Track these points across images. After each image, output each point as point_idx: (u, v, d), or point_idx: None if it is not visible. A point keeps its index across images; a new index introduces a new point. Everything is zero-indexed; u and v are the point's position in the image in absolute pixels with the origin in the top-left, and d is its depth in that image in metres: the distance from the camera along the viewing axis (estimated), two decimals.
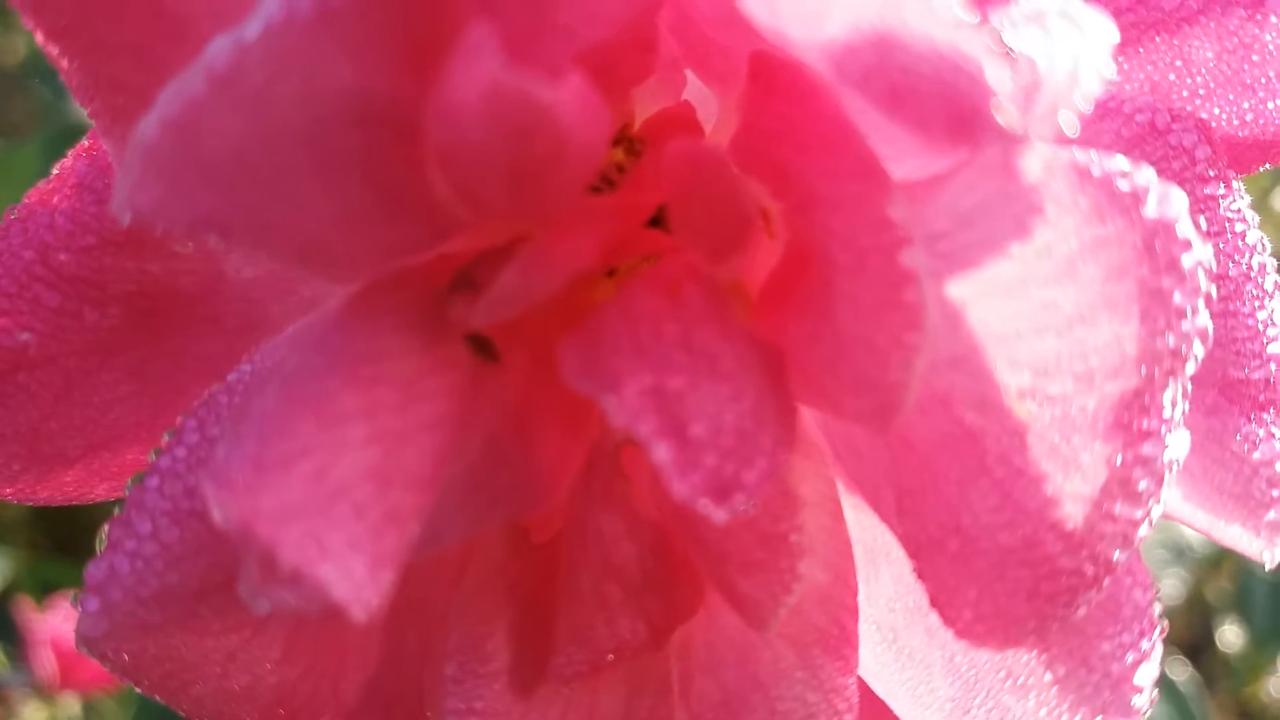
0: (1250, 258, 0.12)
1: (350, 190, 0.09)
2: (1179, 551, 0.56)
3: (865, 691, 0.12)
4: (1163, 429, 0.10)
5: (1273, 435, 0.11)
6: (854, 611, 0.11)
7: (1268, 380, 0.11)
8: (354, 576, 0.08)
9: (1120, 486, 0.10)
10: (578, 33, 0.09)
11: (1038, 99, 0.08)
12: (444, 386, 0.10)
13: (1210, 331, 0.10)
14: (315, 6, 0.08)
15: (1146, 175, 0.10)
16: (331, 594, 0.08)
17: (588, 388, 0.10)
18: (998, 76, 0.07)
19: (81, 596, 0.11)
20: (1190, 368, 0.10)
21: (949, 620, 0.10)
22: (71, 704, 0.53)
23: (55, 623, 0.49)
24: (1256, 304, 0.12)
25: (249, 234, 0.09)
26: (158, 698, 0.11)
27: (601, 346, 0.10)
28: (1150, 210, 0.09)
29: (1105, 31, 0.09)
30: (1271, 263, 0.12)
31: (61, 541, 0.95)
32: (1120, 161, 0.10)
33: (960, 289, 0.10)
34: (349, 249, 0.10)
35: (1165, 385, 0.10)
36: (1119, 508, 0.10)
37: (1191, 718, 0.52)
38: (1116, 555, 0.10)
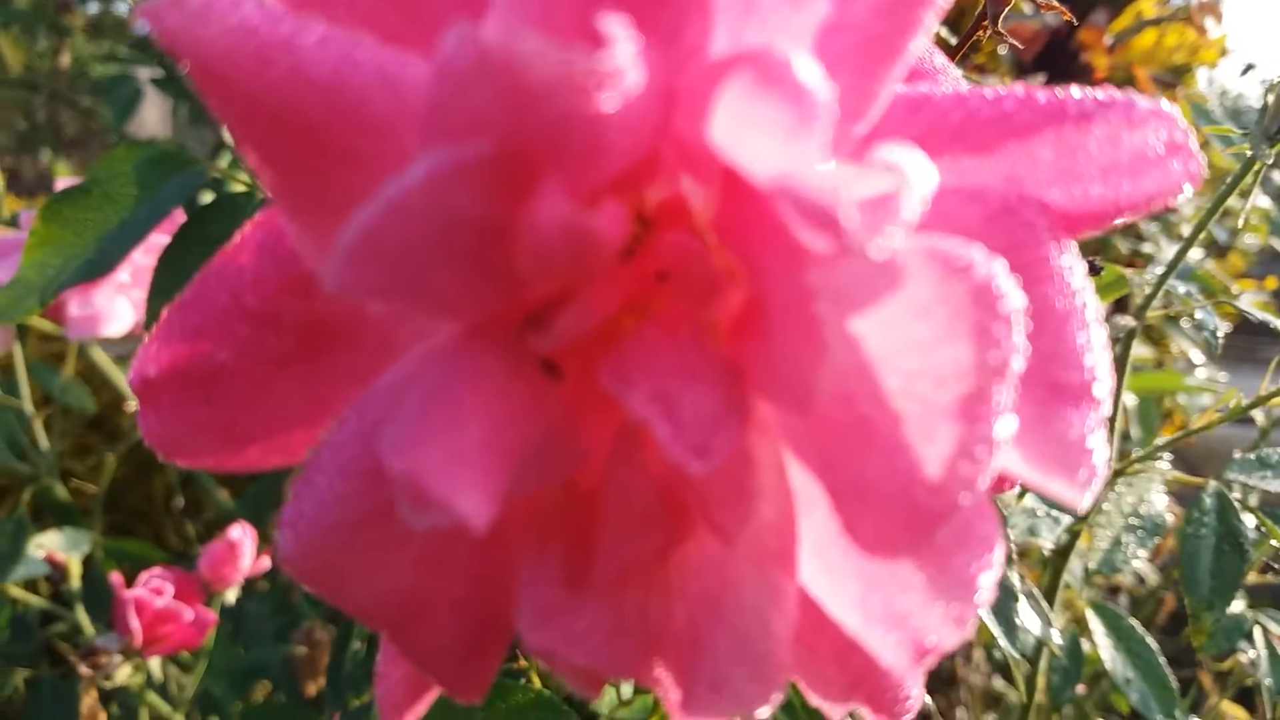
0: (1075, 297, 0.17)
1: (467, 268, 0.14)
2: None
3: (802, 593, 0.17)
4: (993, 417, 0.15)
5: (1084, 421, 0.17)
6: (794, 537, 0.17)
7: (1083, 382, 0.17)
8: (473, 504, 0.14)
9: (964, 454, 0.15)
10: (610, 169, 0.14)
11: (883, 217, 0.13)
12: (524, 391, 0.16)
13: (1024, 351, 0.15)
14: (453, 162, 0.13)
15: (976, 249, 0.15)
16: (459, 514, 0.14)
17: (616, 390, 0.15)
18: (848, 212, 0.13)
19: (279, 530, 0.16)
20: (1012, 376, 0.15)
21: (855, 541, 0.16)
22: (153, 665, 0.59)
23: (139, 592, 0.55)
24: (1079, 328, 0.17)
25: (405, 296, 0.14)
26: (326, 596, 0.17)
27: (624, 364, 0.15)
28: (978, 273, 0.15)
29: (926, 172, 0.14)
30: (1093, 300, 0.17)
31: (123, 526, 1.02)
32: (958, 242, 0.15)
33: (857, 325, 0.15)
34: (464, 302, 0.15)
35: (993, 388, 0.15)
36: (964, 467, 0.15)
37: (1163, 683, 0.57)
38: (963, 498, 0.15)
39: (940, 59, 0.20)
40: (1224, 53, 1.42)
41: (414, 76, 0.15)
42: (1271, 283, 1.39)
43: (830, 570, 0.17)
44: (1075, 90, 0.17)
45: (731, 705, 0.16)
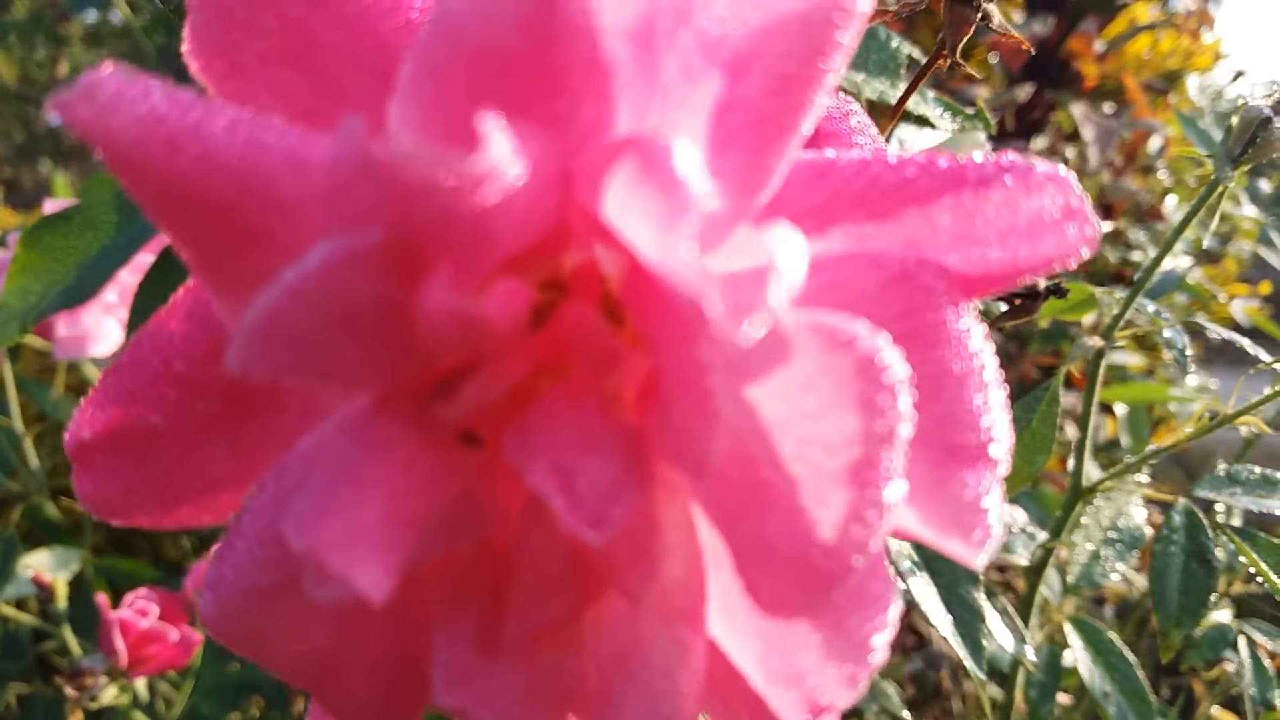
0: (972, 360, 0.17)
1: (366, 346, 0.15)
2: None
3: (712, 648, 0.17)
4: (882, 482, 0.16)
5: (980, 482, 0.17)
6: (703, 595, 0.17)
7: (979, 444, 0.17)
8: (371, 579, 0.14)
9: (855, 517, 0.16)
10: (500, 252, 0.15)
11: (752, 302, 0.14)
12: (433, 458, 0.16)
13: (911, 419, 0.16)
14: (346, 249, 0.14)
15: (860, 324, 0.15)
16: (357, 588, 0.14)
17: (518, 461, 0.15)
18: (711, 302, 0.13)
19: (200, 593, 0.17)
20: (900, 443, 0.16)
21: (755, 601, 0.16)
22: (139, 684, 0.60)
23: (124, 614, 0.55)
24: (975, 391, 0.17)
25: (306, 372, 0.15)
26: (249, 657, 0.17)
27: (527, 434, 0.16)
28: (861, 346, 0.15)
29: (798, 254, 0.14)
30: (991, 361, 0.18)
31: (118, 543, 1.02)
32: (842, 317, 0.15)
33: (752, 394, 0.16)
34: (368, 376, 0.15)
35: (881, 454, 0.15)
36: (855, 531, 0.16)
37: (1141, 697, 0.57)
38: (856, 561, 0.16)
39: (859, 119, 0.21)
40: (1218, 58, 1.42)
41: (320, 157, 0.15)
42: (1266, 287, 1.39)
43: (736, 628, 0.17)
44: (978, 156, 0.18)
45: None
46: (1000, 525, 0.17)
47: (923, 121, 0.53)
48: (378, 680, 0.18)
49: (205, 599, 0.17)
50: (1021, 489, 0.54)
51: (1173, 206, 1.21)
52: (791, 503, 0.16)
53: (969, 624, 0.44)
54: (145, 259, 0.48)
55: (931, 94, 0.55)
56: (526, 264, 0.16)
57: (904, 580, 0.44)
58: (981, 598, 0.45)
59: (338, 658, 0.17)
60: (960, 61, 0.41)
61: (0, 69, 1.71)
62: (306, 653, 0.17)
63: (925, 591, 0.44)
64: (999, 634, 0.54)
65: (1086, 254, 0.18)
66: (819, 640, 0.16)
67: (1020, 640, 0.54)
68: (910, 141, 0.53)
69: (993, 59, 1.18)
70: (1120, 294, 0.52)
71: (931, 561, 0.45)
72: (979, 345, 0.18)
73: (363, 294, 0.14)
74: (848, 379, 0.15)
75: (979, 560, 0.17)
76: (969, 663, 0.43)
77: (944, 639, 0.63)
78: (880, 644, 0.16)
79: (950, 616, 0.44)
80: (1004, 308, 0.50)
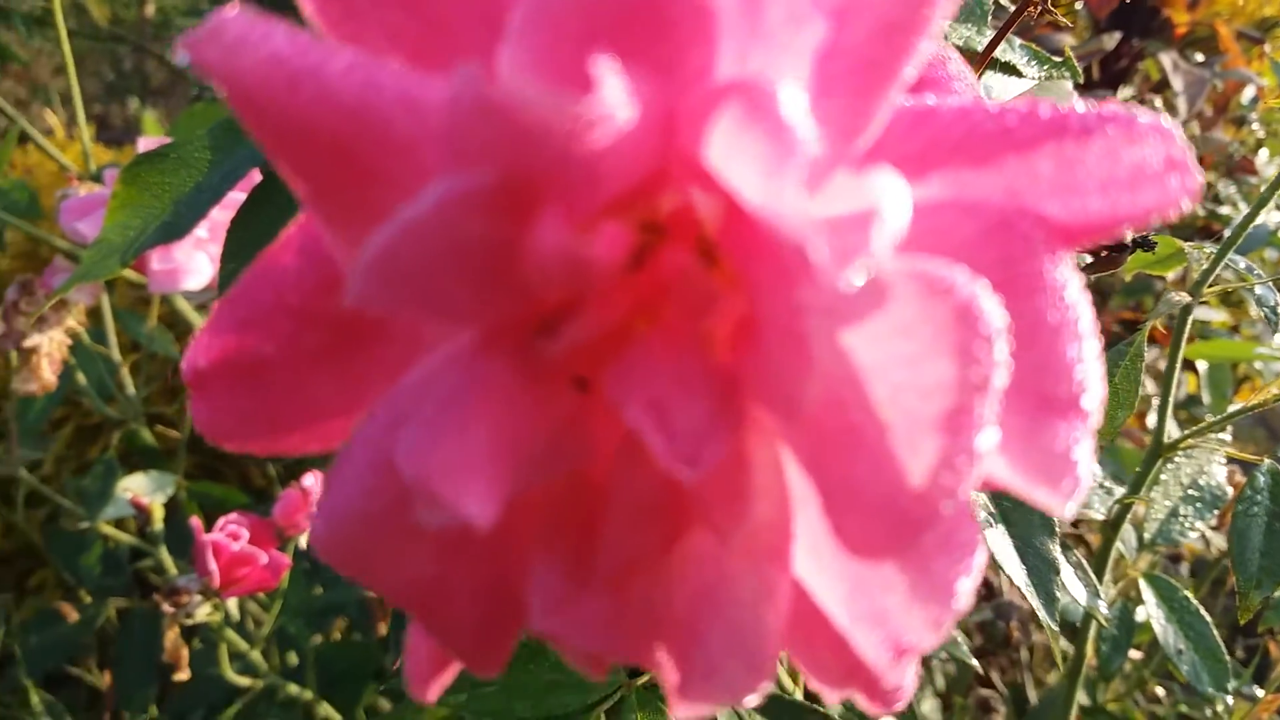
0: (1068, 311, 0.17)
1: (476, 283, 0.15)
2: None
3: (797, 588, 0.18)
4: (974, 430, 0.16)
5: (1071, 432, 0.17)
6: (789, 536, 0.18)
7: (1072, 395, 0.17)
8: (478, 506, 0.15)
9: (946, 464, 0.16)
10: (607, 195, 0.15)
11: (854, 249, 0.14)
12: (535, 393, 0.17)
13: (1006, 368, 0.16)
14: (460, 189, 0.14)
15: (958, 271, 0.15)
16: (465, 515, 0.15)
17: (617, 399, 0.16)
18: (816, 247, 0.14)
19: (312, 518, 0.18)
20: (994, 392, 0.16)
21: (842, 542, 0.17)
22: (230, 604, 0.62)
23: (217, 537, 0.58)
24: (1070, 341, 0.17)
25: (421, 307, 0.15)
26: (357, 579, 0.18)
27: (625, 373, 0.16)
28: (959, 294, 0.15)
29: (902, 202, 0.15)
30: (1088, 312, 0.18)
31: (209, 470, 1.06)
32: (941, 263, 0.15)
33: (848, 338, 0.16)
34: (476, 312, 0.16)
35: (975, 402, 0.16)
36: (946, 477, 0.16)
37: (1215, 655, 0.57)
38: (945, 506, 0.16)
39: (956, 66, 0.21)
40: None
41: (434, 99, 0.16)
42: None
43: (822, 568, 0.18)
44: (1079, 105, 0.18)
45: (722, 693, 0.17)
46: (1089, 476, 0.17)
47: (1009, 69, 0.52)
48: (478, 604, 0.18)
49: (316, 524, 0.17)
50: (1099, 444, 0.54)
51: (1265, 160, 1.17)
52: (882, 447, 0.16)
53: (1043, 575, 0.44)
54: (237, 196, 0.49)
55: (1018, 41, 0.53)
56: (627, 206, 0.16)
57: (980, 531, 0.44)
58: (1056, 550, 0.44)
59: (441, 582, 0.18)
60: (1051, 9, 0.40)
61: (91, 8, 1.75)
62: (412, 577, 0.18)
63: (1000, 542, 0.44)
64: (1072, 587, 0.54)
65: (1187, 206, 0.18)
66: (905, 583, 0.17)
67: (1094, 594, 0.54)
68: (997, 89, 0.52)
69: (1079, 5, 1.14)
70: (1209, 249, 0.51)
71: (1008, 513, 0.45)
72: (1076, 296, 0.18)
73: (476, 232, 0.15)
74: (945, 326, 0.15)
75: (1067, 509, 0.17)
76: (1042, 613, 0.44)
77: (1015, 590, 0.63)
78: (965, 589, 0.17)
79: (1024, 567, 0.44)
80: (1089, 260, 0.49)
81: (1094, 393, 0.17)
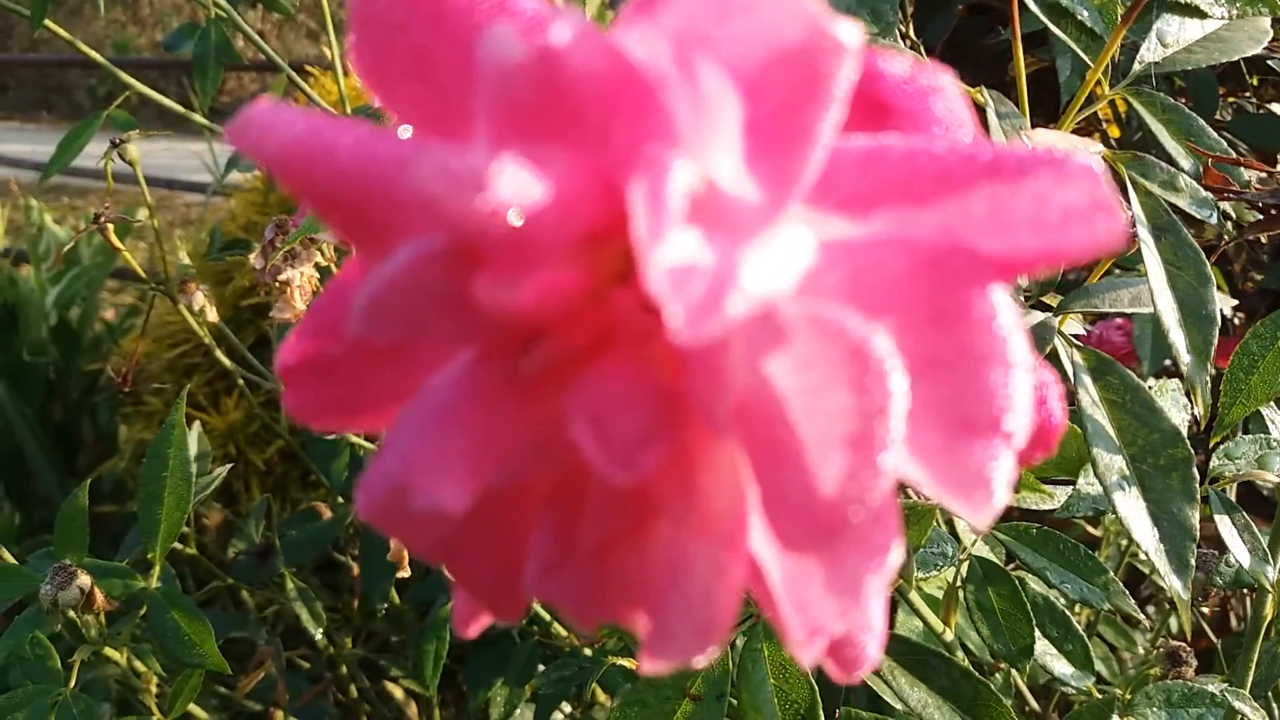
0: (994, 340, 0.19)
1: (456, 317, 0.19)
2: None
3: (754, 569, 0.21)
4: (877, 450, 0.18)
5: (988, 451, 0.19)
6: (743, 525, 0.20)
7: (992, 417, 0.19)
8: (450, 496, 0.19)
9: (852, 477, 0.18)
10: (551, 247, 0.18)
11: (711, 309, 0.16)
12: (519, 401, 0.20)
13: (900, 397, 0.18)
14: (422, 250, 0.18)
15: (850, 315, 0.18)
16: (438, 503, 0.19)
17: (568, 414, 0.19)
18: (672, 310, 0.16)
19: (358, 490, 0.22)
20: (894, 418, 0.18)
21: (774, 536, 0.19)
22: None
23: None
24: (994, 367, 0.19)
25: (413, 336, 0.19)
26: (394, 538, 0.22)
27: (578, 391, 0.19)
28: (851, 335, 0.18)
29: (800, 252, 0.17)
30: (1018, 341, 0.19)
31: None
32: (834, 307, 0.18)
33: (768, 366, 0.18)
34: (465, 337, 0.20)
35: (874, 426, 0.18)
36: (852, 488, 0.18)
37: None
38: (854, 514, 0.18)
39: (944, 105, 0.22)
40: None
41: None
42: None
43: (766, 555, 0.20)
44: (1021, 146, 0.19)
45: (675, 654, 0.20)
46: (1005, 492, 0.19)
47: (1189, 10, 0.49)
48: (495, 563, 0.22)
49: (360, 497, 0.22)
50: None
51: None
52: (800, 459, 0.19)
53: (1177, 541, 0.43)
54: None
55: None
56: (584, 253, 0.19)
57: (1110, 495, 0.44)
58: (1195, 516, 0.44)
59: (462, 545, 0.22)
60: None
61: None
62: (438, 541, 0.22)
63: (1132, 506, 0.44)
64: (1235, 549, 0.53)
65: (1115, 245, 0.19)
66: (822, 576, 0.19)
67: (1262, 558, 0.52)
68: (1173, 34, 0.50)
69: None
70: None
71: (1144, 477, 0.45)
72: (1005, 326, 0.19)
73: (438, 282, 0.18)
74: (840, 363, 0.18)
75: (980, 522, 0.19)
76: (1171, 579, 0.43)
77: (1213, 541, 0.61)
78: (873, 586, 0.19)
79: (1156, 531, 0.44)
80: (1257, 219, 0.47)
81: (1017, 415, 0.19)
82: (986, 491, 0.19)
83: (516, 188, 0.16)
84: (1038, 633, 0.67)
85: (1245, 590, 0.87)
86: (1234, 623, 1.07)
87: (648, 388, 0.19)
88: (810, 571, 0.19)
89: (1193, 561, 0.43)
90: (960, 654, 0.59)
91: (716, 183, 0.18)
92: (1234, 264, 1.17)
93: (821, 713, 0.47)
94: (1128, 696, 0.64)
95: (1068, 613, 0.68)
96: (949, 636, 0.58)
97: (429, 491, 0.19)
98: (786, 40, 0.17)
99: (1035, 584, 0.66)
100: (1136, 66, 0.49)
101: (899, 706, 0.54)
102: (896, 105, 0.22)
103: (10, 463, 1.78)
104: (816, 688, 0.47)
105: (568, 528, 0.21)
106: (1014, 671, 0.65)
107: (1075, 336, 0.58)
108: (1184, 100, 1.17)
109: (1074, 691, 0.71)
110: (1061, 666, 0.66)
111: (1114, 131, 1.21)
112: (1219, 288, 1.25)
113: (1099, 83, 0.49)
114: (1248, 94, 1.26)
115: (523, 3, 0.20)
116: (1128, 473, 0.44)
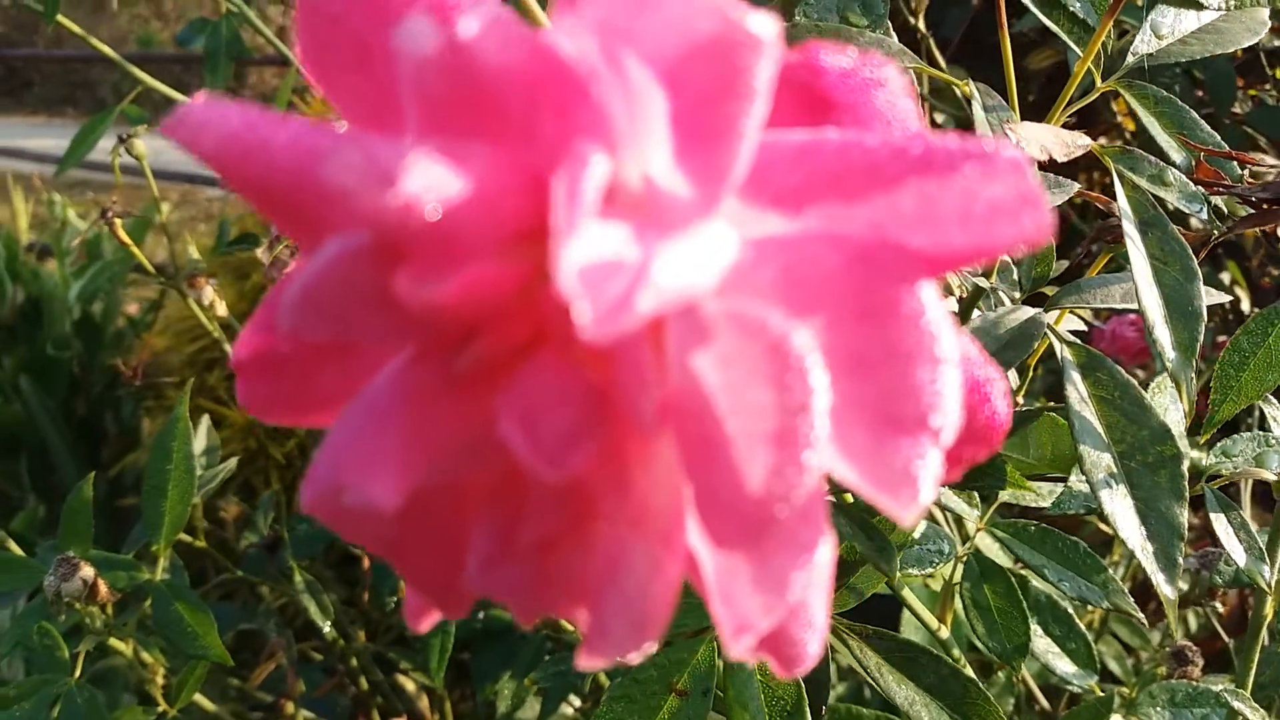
0: (922, 337, 0.19)
1: (385, 314, 0.19)
2: None
3: (691, 563, 0.21)
4: (800, 446, 0.18)
5: (914, 449, 0.19)
6: (679, 523, 0.20)
7: (918, 414, 0.19)
8: (381, 492, 0.19)
9: (776, 474, 0.18)
10: (473, 243, 0.18)
11: (622, 308, 0.16)
12: (453, 399, 0.20)
13: (822, 394, 0.18)
14: (348, 246, 0.18)
15: (771, 312, 0.18)
16: (369, 500, 0.19)
17: (499, 412, 0.19)
18: (580, 308, 0.16)
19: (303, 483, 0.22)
20: (816, 414, 0.18)
21: (705, 533, 0.19)
22: None
23: None
24: (921, 364, 0.19)
25: (342, 335, 0.19)
26: (339, 534, 0.23)
27: (510, 389, 0.19)
28: (772, 332, 0.18)
29: (721, 249, 0.17)
30: (948, 338, 0.19)
31: None
32: (757, 304, 0.18)
33: (693, 362, 0.18)
34: (397, 335, 0.20)
35: (797, 423, 0.18)
36: (777, 485, 0.18)
37: None
38: (780, 511, 0.18)
39: (886, 98, 0.22)
40: None
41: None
42: None
43: (702, 551, 0.20)
44: (950, 142, 0.19)
45: (611, 650, 0.20)
46: (932, 490, 0.19)
47: (1186, 1, 0.49)
48: (435, 560, 0.22)
49: (304, 489, 0.22)
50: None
51: None
52: (728, 456, 0.19)
53: (1164, 539, 0.43)
54: None
55: None
56: (523, 249, 0.19)
57: (1097, 493, 0.44)
58: (1183, 515, 0.43)
59: (404, 542, 0.22)
60: None
61: None
62: (380, 537, 0.22)
63: (1119, 504, 0.44)
64: (1231, 547, 0.52)
65: (1042, 239, 0.18)
66: (749, 572, 0.19)
67: (1257, 556, 0.52)
68: (1168, 26, 0.49)
69: None
70: None
71: (1132, 475, 0.44)
72: (933, 322, 0.19)
73: (364, 278, 0.18)
74: (760, 360, 0.18)
75: (907, 520, 0.19)
76: (1158, 578, 0.43)
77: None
78: (800, 583, 0.19)
79: (1143, 530, 0.43)
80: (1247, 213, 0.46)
81: (945, 413, 0.19)
82: (912, 490, 0.19)
83: (429, 182, 0.16)
84: (1041, 631, 0.67)
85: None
86: None
87: (578, 386, 0.19)
88: (739, 568, 0.19)
89: (1181, 560, 0.43)
90: (957, 651, 0.59)
91: (654, 179, 0.18)
92: (1252, 259, 1.16)
93: (808, 709, 0.47)
94: (1132, 695, 0.63)
95: (1071, 611, 0.67)
96: (944, 634, 0.57)
97: (359, 488, 0.19)
98: (700, 34, 0.17)
99: (1040, 583, 0.66)
100: (1130, 59, 0.48)
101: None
102: (837, 99, 0.22)
103: (34, 456, 1.81)
104: (803, 684, 0.47)
105: (509, 525, 0.21)
106: (1024, 669, 0.65)
107: (1080, 333, 0.58)
108: (1201, 93, 1.16)
109: (1081, 690, 0.70)
110: (1064, 665, 0.66)
111: (1129, 125, 1.20)
112: (1236, 282, 1.23)
113: (1094, 74, 0.48)
114: (1268, 86, 1.24)
115: None
116: (1115, 470, 0.44)
